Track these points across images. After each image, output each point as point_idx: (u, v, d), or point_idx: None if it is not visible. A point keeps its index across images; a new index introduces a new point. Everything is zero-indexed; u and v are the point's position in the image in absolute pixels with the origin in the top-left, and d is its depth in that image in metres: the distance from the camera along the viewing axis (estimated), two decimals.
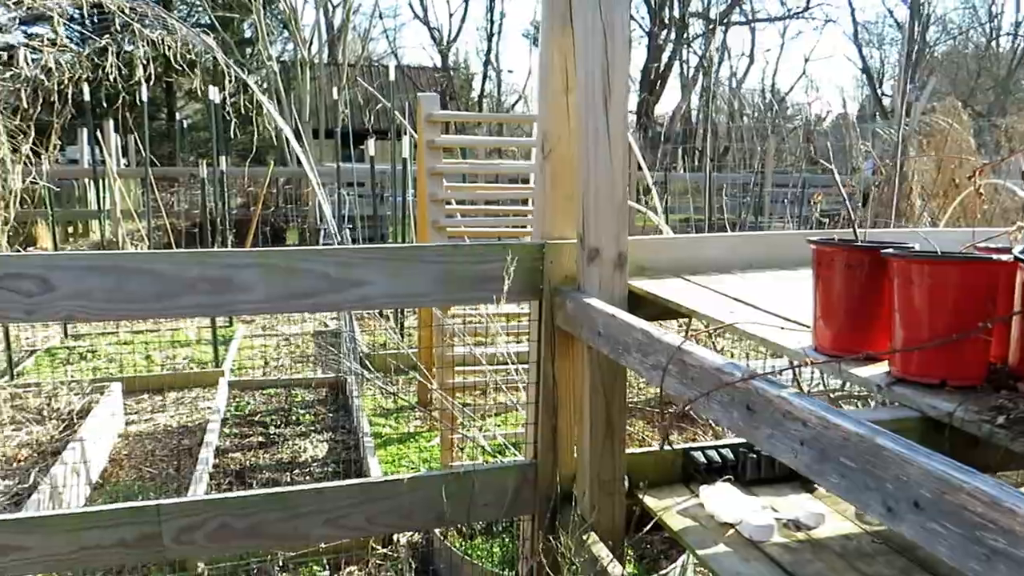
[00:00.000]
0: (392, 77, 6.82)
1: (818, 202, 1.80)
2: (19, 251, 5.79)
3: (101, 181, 8.33)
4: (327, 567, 3.02)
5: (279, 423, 4.69)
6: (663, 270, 2.19)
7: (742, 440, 2.50)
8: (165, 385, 5.43)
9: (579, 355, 2.08)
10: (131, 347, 6.41)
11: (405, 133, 6.44)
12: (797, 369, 1.81)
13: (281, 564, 2.92)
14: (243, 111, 5.89)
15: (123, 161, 13.70)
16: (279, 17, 23.37)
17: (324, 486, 2.06)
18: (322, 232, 11.75)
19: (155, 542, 1.93)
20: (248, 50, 23.21)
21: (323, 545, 2.96)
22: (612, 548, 1.98)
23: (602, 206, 1.92)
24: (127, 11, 4.31)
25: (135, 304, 1.76)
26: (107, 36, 4.61)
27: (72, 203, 12.92)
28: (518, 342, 3.96)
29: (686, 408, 1.39)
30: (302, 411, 4.90)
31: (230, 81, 5.08)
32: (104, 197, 8.43)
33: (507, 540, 3.08)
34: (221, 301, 1.82)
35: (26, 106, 4.45)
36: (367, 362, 5.07)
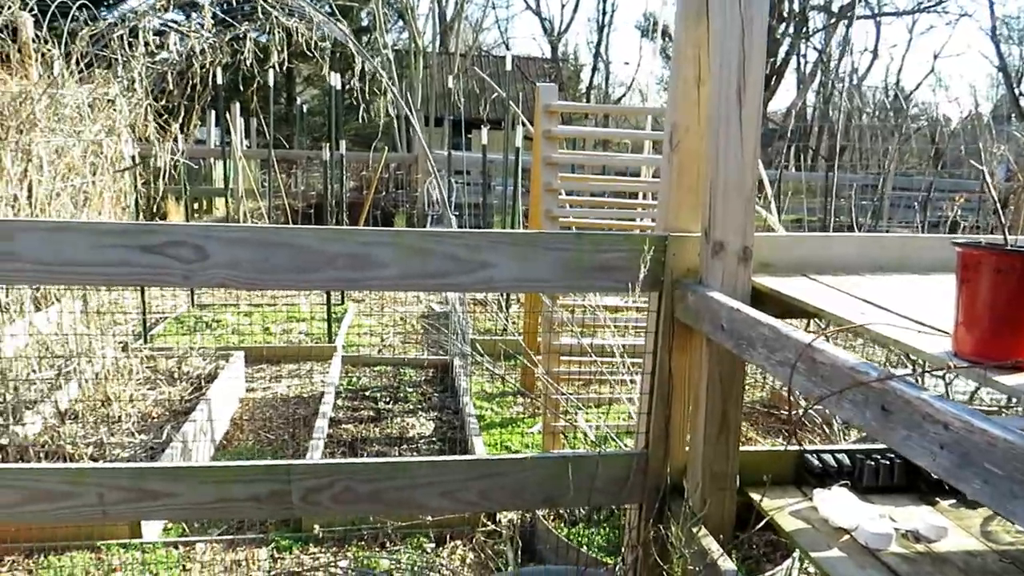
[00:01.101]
0: (509, 67, 6.91)
1: (959, 204, 1.74)
2: None
3: (227, 161, 8.80)
4: (433, 540, 3.13)
5: (388, 399, 4.87)
6: (786, 268, 2.16)
7: (859, 446, 2.44)
8: (282, 356, 5.73)
9: (697, 348, 2.08)
10: (251, 319, 6.78)
11: (518, 123, 6.51)
12: (926, 374, 1.75)
13: (390, 533, 3.05)
14: (363, 96, 6.11)
15: (245, 142, 14.40)
16: (395, 6, 23.97)
17: (441, 459, 2.14)
18: (429, 218, 12.03)
19: (284, 500, 2.06)
20: (364, 38, 23.93)
21: (429, 519, 3.08)
22: (721, 543, 1.98)
23: (730, 199, 1.92)
24: (268, 0, 4.56)
25: (280, 275, 1.89)
26: (246, 23, 4.89)
27: (199, 181, 13.68)
28: (622, 335, 3.97)
29: (814, 405, 1.38)
30: (410, 389, 5.07)
31: (361, 68, 5.28)
32: (229, 176, 8.90)
33: (608, 529, 3.10)
34: (357, 276, 1.92)
35: (171, 88, 4.77)
36: (474, 345, 5.18)
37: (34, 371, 4.04)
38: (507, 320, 6.22)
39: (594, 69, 29.78)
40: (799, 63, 26.61)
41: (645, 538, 2.18)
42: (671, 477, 2.20)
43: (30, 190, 3.94)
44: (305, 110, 21.26)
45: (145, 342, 5.60)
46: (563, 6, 36.76)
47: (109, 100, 4.30)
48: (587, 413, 4.04)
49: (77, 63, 4.27)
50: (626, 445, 3.47)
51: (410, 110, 7.01)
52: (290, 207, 10.48)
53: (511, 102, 6.58)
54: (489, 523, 3.13)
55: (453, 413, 4.64)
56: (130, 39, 4.28)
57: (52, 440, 3.65)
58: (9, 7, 6.16)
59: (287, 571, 2.85)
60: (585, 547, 2.91)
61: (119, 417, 3.97)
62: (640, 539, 2.23)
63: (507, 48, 26.94)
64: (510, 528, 3.09)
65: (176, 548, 3.12)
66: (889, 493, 2.20)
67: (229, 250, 1.88)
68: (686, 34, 2.03)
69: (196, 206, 13.83)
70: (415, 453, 4.05)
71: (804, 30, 25.77)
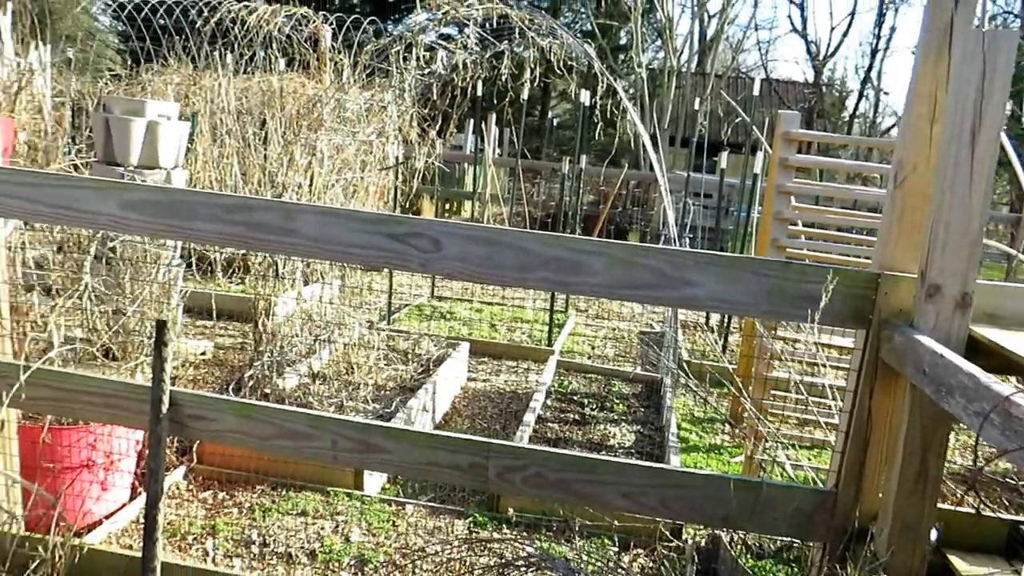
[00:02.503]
0: (756, 91, 6.80)
1: None
2: None
3: (478, 167, 9.48)
4: (616, 544, 3.24)
5: (595, 406, 5.03)
6: (1019, 322, 2.02)
7: None
8: (503, 353, 6.11)
9: (901, 393, 2.01)
10: (481, 315, 7.27)
11: (760, 148, 6.40)
12: None
13: (577, 529, 3.20)
14: (606, 115, 6.35)
15: (497, 151, 15.32)
16: (655, 26, 24.18)
17: (625, 462, 2.26)
18: (662, 238, 12.07)
19: (481, 473, 2.29)
20: (621, 56, 24.40)
21: (616, 523, 3.19)
22: None
23: (952, 242, 1.84)
24: (525, 21, 4.94)
25: (501, 271, 2.11)
26: (505, 41, 5.31)
27: (453, 183, 14.78)
28: (846, 379, 3.80)
29: (999, 458, 1.33)
30: (617, 400, 5.20)
31: (601, 86, 5.52)
32: (478, 181, 9.59)
33: (796, 569, 3.02)
34: (566, 280, 2.10)
35: (435, 98, 5.31)
36: (684, 366, 5.20)
37: (297, 335, 4.70)
38: (723, 348, 6.13)
39: (861, 95, 28.01)
40: None
41: None
42: (859, 521, 2.13)
43: (311, 179, 4.61)
44: (556, 123, 22.14)
45: (388, 323, 6.24)
46: (832, 28, 34.92)
47: (382, 106, 4.90)
48: (793, 450, 3.92)
49: (360, 72, 4.91)
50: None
51: (656, 130, 7.13)
52: (529, 214, 11.03)
53: (754, 127, 6.48)
54: (674, 539, 3.18)
55: (655, 429, 4.70)
56: (404, 54, 4.85)
57: (303, 395, 4.23)
58: (313, 21, 7.14)
59: (480, 539, 3.10)
60: None
61: (358, 385, 4.49)
62: None
63: (765, 71, 26.10)
64: (693, 546, 3.11)
65: (390, 505, 3.50)
66: None
67: (460, 245, 2.14)
68: (924, 69, 1.98)
69: (447, 207, 14.95)
70: None
71: None
